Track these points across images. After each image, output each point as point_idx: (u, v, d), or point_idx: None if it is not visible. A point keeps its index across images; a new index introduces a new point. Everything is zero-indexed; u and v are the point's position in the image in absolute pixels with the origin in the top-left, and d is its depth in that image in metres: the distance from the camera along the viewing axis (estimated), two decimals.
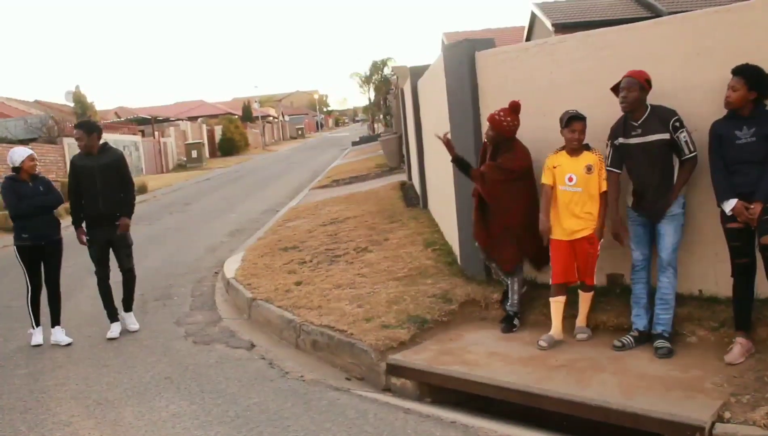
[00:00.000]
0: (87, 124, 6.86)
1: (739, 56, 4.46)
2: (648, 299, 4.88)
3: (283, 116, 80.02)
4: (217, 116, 54.19)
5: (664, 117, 4.61)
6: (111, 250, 6.80)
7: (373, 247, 8.53)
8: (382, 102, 55.90)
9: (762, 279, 4.40)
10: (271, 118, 69.21)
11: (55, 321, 6.75)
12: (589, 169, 5.00)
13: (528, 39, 27.97)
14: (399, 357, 5.12)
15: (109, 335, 6.67)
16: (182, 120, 41.95)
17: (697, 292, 5.03)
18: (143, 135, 34.33)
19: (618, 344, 4.82)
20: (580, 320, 5.21)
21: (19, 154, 6.67)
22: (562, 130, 5.02)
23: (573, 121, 4.96)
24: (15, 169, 6.66)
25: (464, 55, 6.26)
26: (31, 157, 6.71)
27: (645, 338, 4.80)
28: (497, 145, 5.46)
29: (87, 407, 4.83)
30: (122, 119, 37.25)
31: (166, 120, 39.47)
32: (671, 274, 4.72)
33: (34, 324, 6.70)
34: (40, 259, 6.63)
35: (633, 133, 4.71)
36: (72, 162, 6.81)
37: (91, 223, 6.67)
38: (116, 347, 6.35)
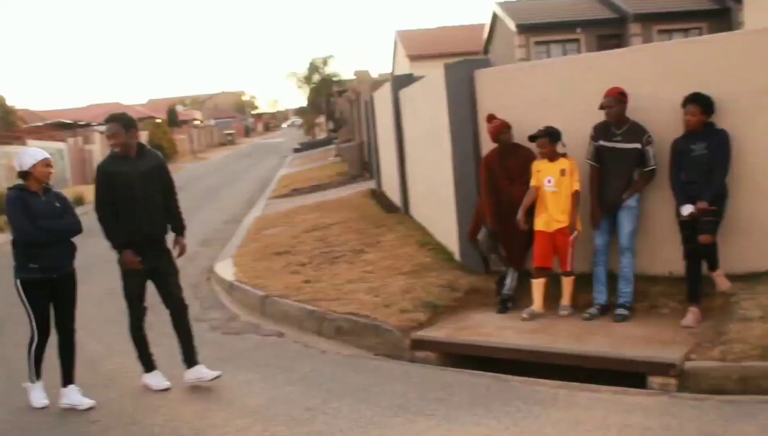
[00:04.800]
0: (124, 118, 6.00)
1: (698, 79, 6.40)
2: (606, 278, 6.80)
3: (209, 120, 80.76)
4: (141, 120, 54.87)
5: (640, 132, 6.56)
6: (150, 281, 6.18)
7: (368, 248, 10.25)
8: (324, 104, 57.48)
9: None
10: (198, 122, 70.09)
11: (68, 378, 5.95)
12: (563, 172, 6.88)
13: (489, 39, 30.22)
14: (422, 333, 6.84)
15: (159, 386, 6.06)
16: (104, 124, 42.70)
17: (668, 273, 6.93)
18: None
19: (586, 315, 6.71)
20: (564, 300, 7.04)
21: (30, 155, 5.87)
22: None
23: (535, 139, 6.94)
24: (23, 174, 5.84)
25: (464, 74, 8.09)
26: (45, 162, 5.86)
27: (606, 310, 6.70)
28: (506, 149, 7.34)
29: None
30: (41, 124, 37.94)
31: (88, 125, 40.28)
32: (629, 255, 6.65)
33: (34, 377, 5.91)
34: (51, 296, 5.90)
35: (614, 138, 6.63)
36: (102, 168, 6.02)
37: (130, 247, 5.95)
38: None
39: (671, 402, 4.94)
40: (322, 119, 63.91)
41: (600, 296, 6.83)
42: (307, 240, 11.75)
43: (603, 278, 6.83)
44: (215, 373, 6.00)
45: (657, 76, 6.83)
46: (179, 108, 64.77)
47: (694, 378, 5.26)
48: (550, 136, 6.84)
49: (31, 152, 5.93)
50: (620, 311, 6.59)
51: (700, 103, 6.26)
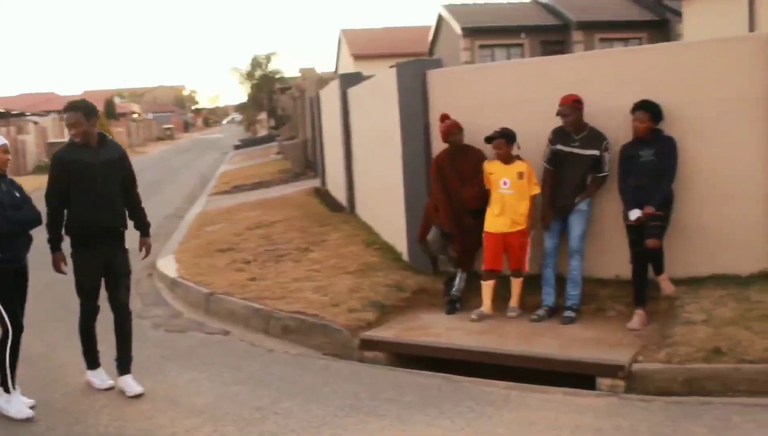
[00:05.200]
0: (85, 106, 5.73)
1: (648, 87, 6.52)
2: (555, 281, 6.88)
3: (147, 113, 79.38)
4: None
5: (599, 138, 6.65)
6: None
7: (314, 247, 10.16)
8: (266, 101, 57.02)
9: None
10: (136, 115, 68.79)
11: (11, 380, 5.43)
12: (520, 175, 6.90)
13: (434, 41, 30.45)
14: (371, 333, 6.80)
15: (103, 385, 5.85)
16: (40, 115, 41.59)
17: (614, 276, 7.04)
18: None
19: (534, 317, 6.77)
20: (513, 302, 7.09)
21: None
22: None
23: (490, 141, 6.94)
24: None
25: (416, 74, 8.07)
26: (3, 148, 5.54)
27: (554, 312, 6.78)
28: (457, 150, 7.34)
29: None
30: None
31: (22, 114, 39.10)
32: (578, 258, 6.74)
33: (11, 386, 5.39)
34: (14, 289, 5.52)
35: (572, 144, 6.69)
36: (59, 157, 5.72)
37: (85, 240, 5.72)
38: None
39: (620, 403, 5.01)
40: (263, 116, 63.37)
41: (548, 298, 6.90)
42: (250, 237, 11.59)
43: (552, 281, 6.90)
44: (139, 389, 5.69)
45: (607, 83, 6.93)
46: (117, 100, 63.41)
47: (642, 380, 5.35)
48: (506, 138, 6.86)
49: None
50: (568, 313, 6.67)
51: (648, 111, 6.38)
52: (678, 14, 23.46)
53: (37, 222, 5.62)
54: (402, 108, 8.27)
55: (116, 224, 5.86)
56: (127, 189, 5.96)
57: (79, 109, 5.66)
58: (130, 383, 5.76)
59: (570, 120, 6.63)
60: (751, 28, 15.84)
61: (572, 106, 6.60)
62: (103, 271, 5.79)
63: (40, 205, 5.68)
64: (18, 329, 5.40)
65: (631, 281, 6.59)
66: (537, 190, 6.92)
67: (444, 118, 7.42)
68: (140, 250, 6.11)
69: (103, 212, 5.71)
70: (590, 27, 26.31)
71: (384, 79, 9.22)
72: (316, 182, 18.26)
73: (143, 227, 6.14)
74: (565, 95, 6.65)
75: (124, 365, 5.86)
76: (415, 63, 8.20)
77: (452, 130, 7.35)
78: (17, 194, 5.56)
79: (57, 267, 5.76)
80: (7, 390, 5.37)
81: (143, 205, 6.19)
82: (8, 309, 5.39)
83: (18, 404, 5.36)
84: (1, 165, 5.48)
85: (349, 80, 12.36)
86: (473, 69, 7.79)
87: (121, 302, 5.91)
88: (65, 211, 5.72)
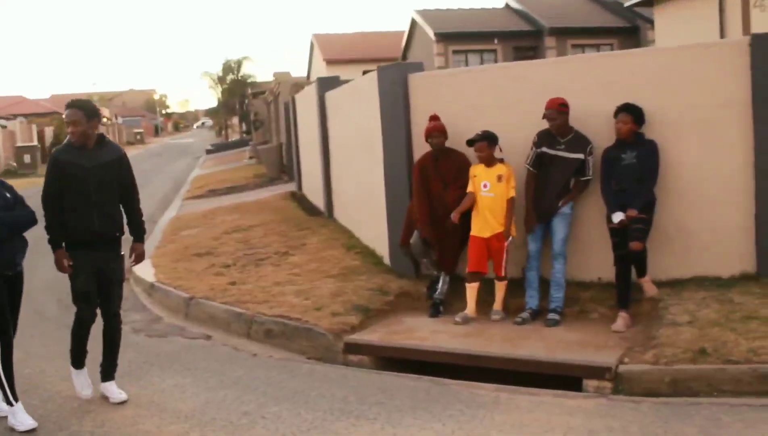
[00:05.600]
0: (88, 106, 5.58)
1: (628, 91, 6.57)
2: (539, 284, 6.90)
3: (116, 118, 78.55)
4: (45, 115, 52.93)
5: (584, 142, 6.67)
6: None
7: (294, 251, 10.11)
8: (237, 106, 56.76)
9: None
10: (106, 120, 67.99)
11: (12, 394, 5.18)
12: (499, 178, 6.91)
13: (407, 46, 30.49)
14: (355, 337, 6.76)
15: (82, 393, 5.66)
16: (7, 118, 41.00)
17: (597, 279, 7.08)
18: None
19: (518, 320, 6.79)
20: (496, 305, 7.09)
21: None
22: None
23: (472, 144, 6.94)
24: None
25: (398, 77, 8.06)
26: None
27: (537, 315, 6.81)
28: (440, 153, 7.32)
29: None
30: None
31: None
32: (562, 261, 6.77)
33: (12, 399, 5.15)
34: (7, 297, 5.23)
35: (558, 147, 6.70)
36: (56, 158, 5.55)
37: (79, 245, 5.51)
38: None
39: (610, 405, 5.03)
40: (235, 120, 63.05)
41: (532, 300, 6.91)
42: (228, 242, 11.51)
43: (536, 284, 6.92)
44: (123, 396, 5.57)
45: (589, 87, 6.97)
46: None
47: (628, 381, 5.37)
48: (488, 140, 6.87)
49: None
50: (552, 315, 6.69)
51: (631, 113, 6.42)
52: (648, 21, 23.75)
53: (31, 223, 5.33)
54: (383, 112, 8.25)
55: (110, 230, 5.61)
56: (124, 192, 5.73)
57: (81, 108, 5.47)
58: (113, 391, 5.64)
59: (557, 123, 6.65)
60: (722, 34, 16.06)
61: (558, 109, 6.62)
62: (96, 277, 5.56)
63: (32, 203, 5.50)
64: (9, 340, 5.17)
65: (614, 284, 6.63)
66: (512, 193, 6.91)
67: (432, 118, 7.39)
68: (130, 255, 5.89)
69: (96, 217, 5.48)
70: (562, 33, 26.51)
71: (364, 82, 9.20)
72: (291, 187, 18.20)
73: (138, 232, 5.91)
74: (551, 98, 6.66)
75: (109, 372, 5.71)
76: (396, 66, 8.21)
77: (431, 132, 7.35)
78: (8, 195, 5.28)
79: (60, 265, 5.49)
80: (9, 403, 5.14)
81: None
82: (1, 319, 5.11)
83: (21, 416, 5.12)
84: None
85: (327, 84, 12.32)
86: (455, 72, 7.80)
87: (112, 311, 5.70)
88: (62, 215, 5.48)
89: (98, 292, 5.62)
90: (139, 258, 5.95)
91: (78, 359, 5.70)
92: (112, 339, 5.75)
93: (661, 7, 18.70)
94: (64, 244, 5.51)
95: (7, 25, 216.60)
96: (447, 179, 7.34)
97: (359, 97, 9.60)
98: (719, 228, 6.68)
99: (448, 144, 7.41)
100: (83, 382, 5.70)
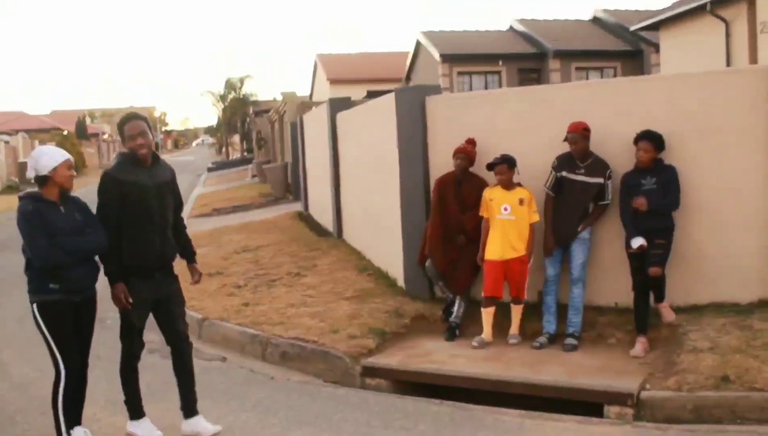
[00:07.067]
0: (147, 117, 5.33)
1: (649, 117, 6.62)
2: (556, 308, 6.92)
3: (117, 134, 78.72)
4: (45, 131, 53.07)
5: (603, 166, 6.71)
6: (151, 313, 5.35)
7: (305, 272, 10.11)
8: (239, 124, 56.88)
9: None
10: (107, 136, 68.20)
11: (76, 419, 5.04)
12: (521, 201, 6.94)
13: (411, 66, 30.62)
14: (373, 360, 6.76)
15: None
16: (9, 134, 41.09)
17: (613, 304, 7.09)
18: None
19: (536, 344, 6.80)
20: (513, 329, 7.09)
21: (49, 156, 4.89)
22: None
23: (493, 167, 6.97)
24: (39, 180, 4.88)
25: (415, 99, 8.10)
26: (68, 164, 4.94)
27: (554, 339, 6.82)
28: (464, 177, 7.35)
29: (112, 405, 6.01)
30: None
31: None
32: (581, 286, 6.80)
33: (65, 429, 4.89)
34: (74, 324, 4.99)
35: (578, 171, 6.73)
36: (112, 177, 5.05)
37: (136, 273, 5.08)
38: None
39: (635, 431, 5.04)
40: (236, 138, 63.17)
41: (549, 325, 6.92)
42: (239, 261, 11.51)
43: (553, 308, 6.94)
44: (217, 428, 5.21)
45: (608, 111, 7.01)
46: (89, 121, 62.80)
47: (650, 408, 5.38)
48: (508, 163, 6.90)
49: (50, 152, 4.90)
50: (569, 340, 6.70)
51: (652, 141, 6.46)
52: (652, 44, 23.92)
53: (97, 251, 5.01)
54: (400, 134, 8.29)
55: (172, 253, 5.30)
56: (177, 212, 5.42)
57: (144, 120, 5.13)
58: (203, 425, 5.26)
59: (579, 147, 6.70)
60: (728, 59, 16.17)
61: (582, 133, 6.66)
62: (153, 305, 5.22)
63: None
64: (73, 370, 4.90)
65: (630, 309, 6.65)
66: (537, 217, 6.96)
67: (468, 142, 7.43)
68: (192, 277, 5.57)
69: (158, 241, 5.11)
70: (566, 56, 26.69)
71: (380, 104, 9.24)
72: (296, 206, 18.21)
73: (191, 253, 5.61)
74: (574, 122, 6.71)
75: (190, 405, 5.33)
76: (414, 89, 8.26)
77: (456, 153, 7.38)
78: (77, 216, 4.95)
79: (119, 301, 5.01)
80: (60, 434, 4.89)
81: None
82: (62, 348, 4.85)
83: None
84: (65, 183, 4.88)
85: (339, 105, 12.37)
86: (473, 96, 7.84)
87: (180, 334, 5.35)
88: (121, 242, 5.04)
89: (160, 319, 5.35)
90: (199, 279, 5.65)
91: (135, 408, 5.31)
92: (185, 367, 5.37)
93: (667, 31, 18.85)
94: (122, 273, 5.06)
95: (8, 41, 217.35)
96: (467, 203, 7.37)
97: (374, 118, 9.65)
98: (738, 253, 6.71)
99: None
100: (147, 429, 5.28)
